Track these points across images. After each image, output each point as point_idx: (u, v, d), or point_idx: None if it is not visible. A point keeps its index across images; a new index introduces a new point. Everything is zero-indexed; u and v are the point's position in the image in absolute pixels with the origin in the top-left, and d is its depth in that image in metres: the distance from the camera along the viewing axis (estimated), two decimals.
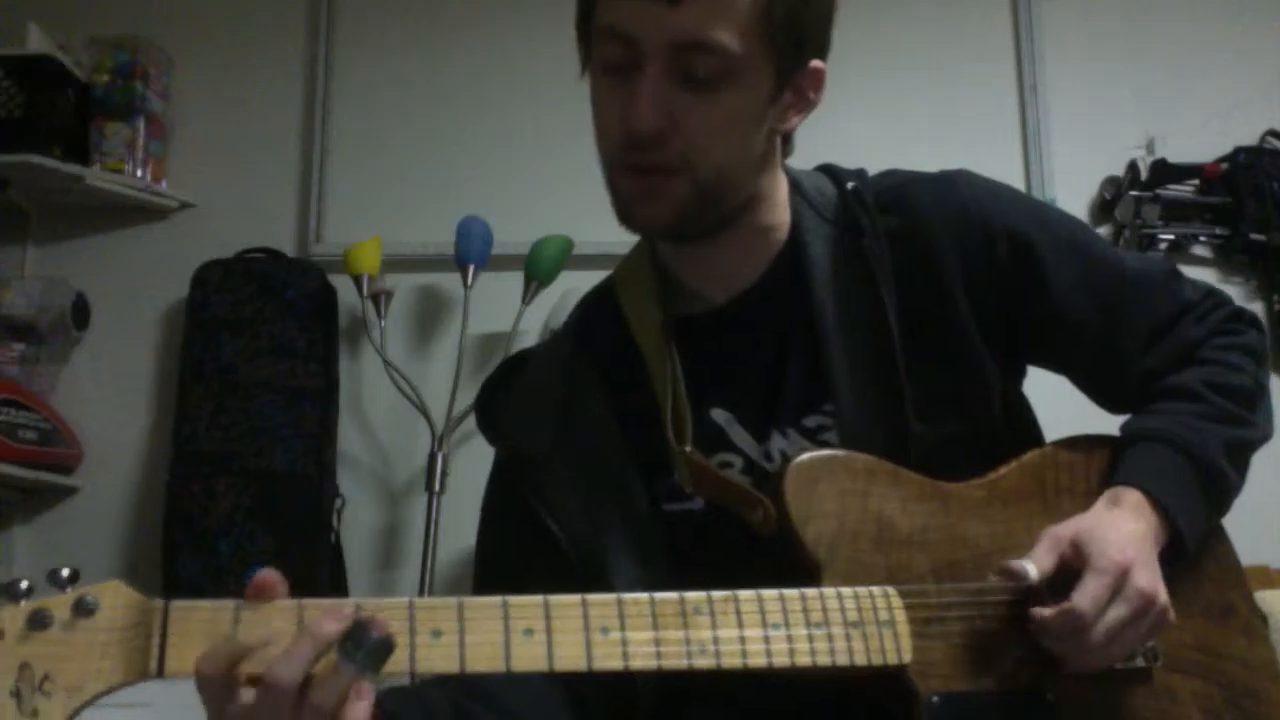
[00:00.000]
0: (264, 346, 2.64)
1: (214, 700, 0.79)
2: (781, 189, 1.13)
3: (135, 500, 2.76)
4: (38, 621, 0.77)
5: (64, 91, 2.72)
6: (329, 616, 0.79)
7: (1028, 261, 1.10)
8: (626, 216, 1.06)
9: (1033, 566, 0.94)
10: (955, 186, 1.12)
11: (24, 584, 0.78)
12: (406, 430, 2.73)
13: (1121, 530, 0.97)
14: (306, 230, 2.86)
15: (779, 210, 1.13)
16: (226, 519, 2.52)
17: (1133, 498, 1.02)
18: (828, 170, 1.18)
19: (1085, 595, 0.92)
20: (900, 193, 1.12)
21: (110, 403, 2.81)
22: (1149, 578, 0.95)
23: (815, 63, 1.06)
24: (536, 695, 1.02)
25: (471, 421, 2.60)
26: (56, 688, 0.76)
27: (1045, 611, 0.93)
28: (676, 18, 0.96)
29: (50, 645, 0.77)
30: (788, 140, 1.12)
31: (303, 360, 2.65)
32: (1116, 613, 0.93)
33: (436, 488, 2.55)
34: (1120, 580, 0.93)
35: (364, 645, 0.78)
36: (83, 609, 0.78)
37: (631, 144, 1.00)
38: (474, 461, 2.63)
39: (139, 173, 2.80)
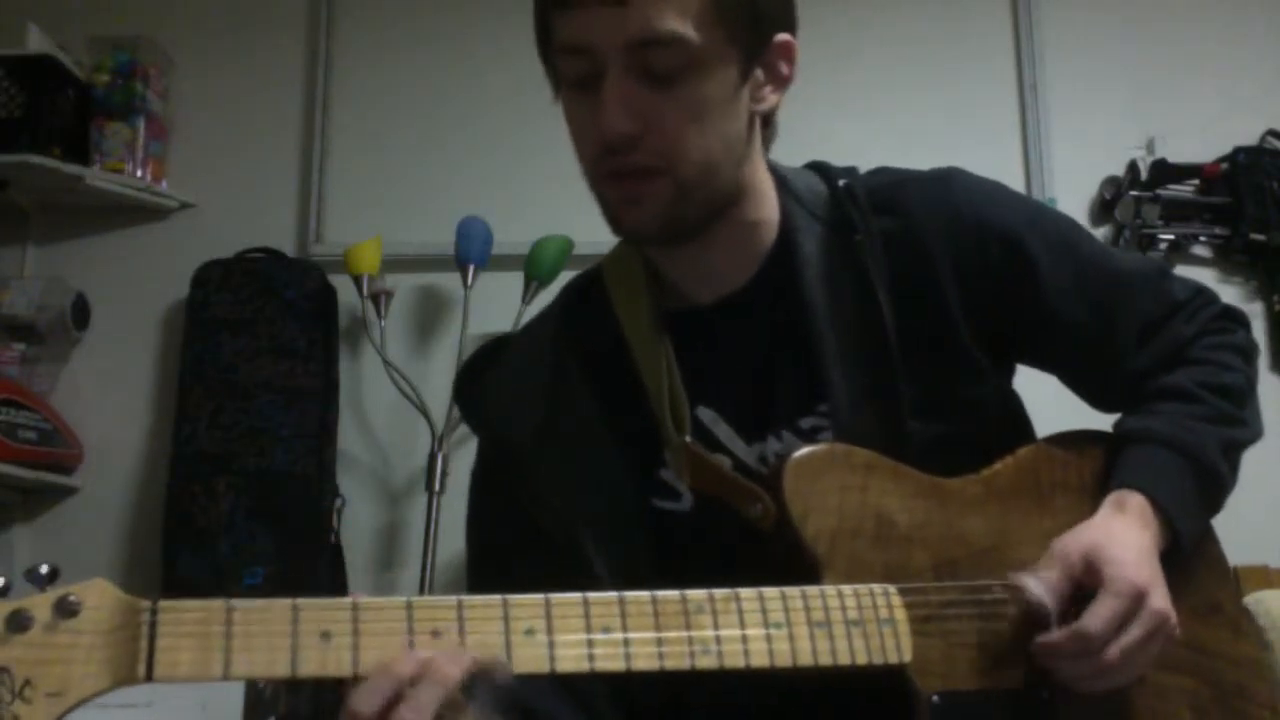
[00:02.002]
0: (264, 346, 2.64)
1: None
2: (767, 182, 1.11)
3: (135, 500, 2.76)
4: (17, 623, 0.72)
5: (64, 91, 2.72)
6: (449, 660, 0.79)
7: (1021, 262, 1.10)
8: (615, 225, 1.05)
9: (1048, 596, 0.93)
10: (949, 186, 1.11)
11: None
12: (406, 430, 2.73)
13: (1131, 545, 0.97)
14: (306, 230, 2.86)
15: (766, 205, 1.10)
16: (226, 519, 2.52)
17: (1136, 502, 1.02)
18: (818, 168, 1.16)
19: (1098, 617, 0.92)
20: (893, 192, 1.10)
21: (110, 403, 2.80)
22: (1163, 596, 0.95)
23: (781, 36, 1.04)
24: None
25: None
26: (38, 693, 0.71)
27: (1055, 636, 0.92)
28: (625, 17, 0.95)
29: (31, 648, 0.72)
30: (768, 124, 1.10)
31: (303, 360, 2.64)
32: (1133, 635, 0.92)
33: (436, 487, 2.54)
34: (1136, 603, 0.93)
35: (484, 688, 0.79)
36: (65, 609, 0.73)
37: (608, 151, 0.99)
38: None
39: (139, 173, 2.80)
